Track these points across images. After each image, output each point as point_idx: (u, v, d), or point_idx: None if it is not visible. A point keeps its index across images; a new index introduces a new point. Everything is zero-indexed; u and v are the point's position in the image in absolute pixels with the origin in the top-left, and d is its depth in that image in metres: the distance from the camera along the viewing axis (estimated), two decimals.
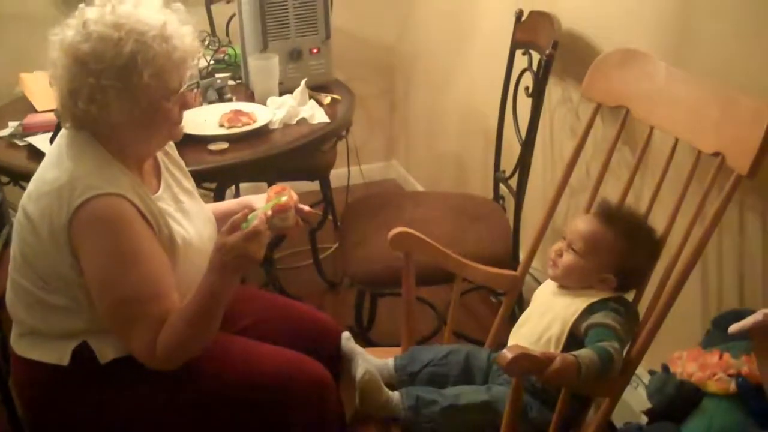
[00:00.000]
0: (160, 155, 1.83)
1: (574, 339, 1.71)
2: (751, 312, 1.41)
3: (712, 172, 1.64)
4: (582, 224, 1.79)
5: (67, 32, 1.61)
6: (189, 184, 1.89)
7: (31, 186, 1.66)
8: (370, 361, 1.86)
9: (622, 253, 1.76)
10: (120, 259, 1.58)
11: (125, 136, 1.66)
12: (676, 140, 1.76)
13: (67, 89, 1.61)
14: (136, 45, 1.57)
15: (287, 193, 1.78)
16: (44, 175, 1.65)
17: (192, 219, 1.79)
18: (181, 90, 1.68)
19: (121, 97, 1.59)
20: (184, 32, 1.66)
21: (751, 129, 1.56)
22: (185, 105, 1.72)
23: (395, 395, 1.78)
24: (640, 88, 1.86)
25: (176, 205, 1.78)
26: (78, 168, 1.61)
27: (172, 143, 1.88)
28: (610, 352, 1.59)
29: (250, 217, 1.61)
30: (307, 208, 1.82)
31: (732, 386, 1.53)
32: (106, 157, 1.65)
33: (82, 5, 1.64)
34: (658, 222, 1.80)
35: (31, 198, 1.64)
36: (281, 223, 1.76)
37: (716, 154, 1.64)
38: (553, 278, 1.83)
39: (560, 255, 1.79)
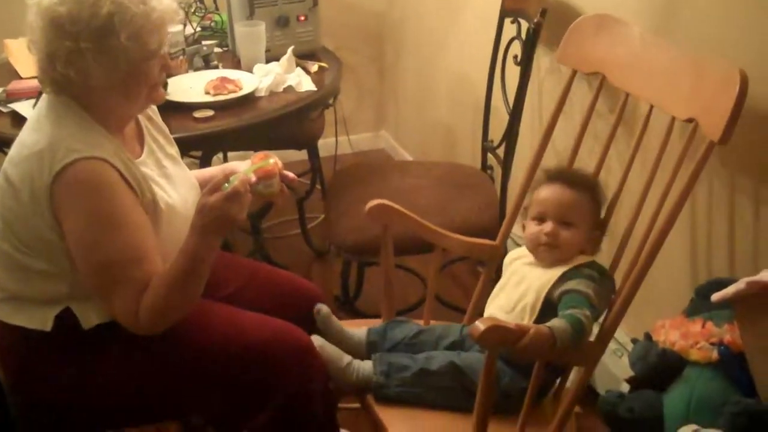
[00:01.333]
0: (143, 120, 1.81)
1: (549, 306, 1.70)
2: (734, 280, 1.41)
3: (685, 138, 1.63)
4: (563, 195, 1.78)
5: None
6: (173, 150, 1.87)
7: (12, 150, 1.65)
8: (342, 334, 1.88)
9: (595, 207, 1.80)
10: (102, 223, 1.58)
11: (105, 100, 1.64)
12: (651, 107, 1.75)
13: (44, 53, 1.59)
14: (113, 6, 1.55)
15: (274, 161, 1.77)
16: (25, 139, 1.64)
17: (176, 184, 1.78)
18: (162, 52, 1.66)
19: (98, 59, 1.57)
20: None
21: (723, 95, 1.55)
22: (166, 68, 1.71)
23: (363, 364, 1.80)
24: (615, 55, 1.85)
25: (159, 170, 1.77)
26: (59, 132, 1.60)
27: (155, 109, 1.87)
28: (581, 320, 1.58)
29: (231, 178, 1.60)
30: (291, 175, 1.81)
31: (714, 354, 1.53)
32: (87, 121, 1.63)
33: None
34: (634, 188, 1.79)
35: (12, 162, 1.63)
36: (266, 189, 1.75)
37: (690, 120, 1.63)
38: (553, 262, 1.77)
39: (554, 236, 1.76)
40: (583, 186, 1.80)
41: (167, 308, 1.61)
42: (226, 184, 1.58)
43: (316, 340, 1.80)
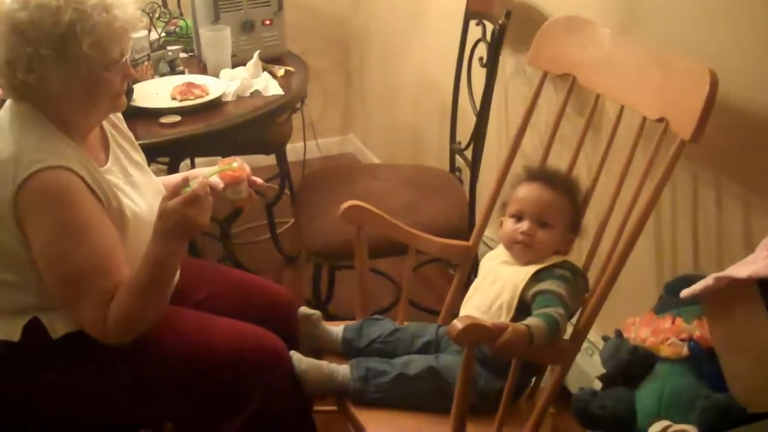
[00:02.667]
0: (108, 128, 1.79)
1: (522, 305, 1.71)
2: (702, 276, 1.43)
3: (656, 137, 1.65)
4: (541, 195, 1.79)
5: (4, 0, 1.57)
6: (139, 157, 1.86)
7: None
8: (320, 331, 1.89)
9: (573, 209, 1.81)
10: (68, 233, 1.56)
11: (67, 107, 1.63)
12: (622, 107, 1.77)
13: (5, 59, 1.57)
14: (75, 14, 1.54)
15: (239, 164, 1.76)
16: None
17: (142, 192, 1.77)
18: (123, 60, 1.65)
19: (59, 67, 1.56)
20: (125, 1, 1.62)
21: (693, 94, 1.57)
22: (127, 76, 1.69)
23: (343, 367, 1.79)
24: (585, 56, 1.86)
25: (126, 179, 1.75)
26: (22, 141, 1.58)
27: (120, 116, 1.85)
28: (556, 318, 1.60)
29: (191, 182, 1.58)
30: (259, 180, 1.81)
31: (684, 350, 1.55)
32: (50, 130, 1.62)
33: None
34: (606, 188, 1.81)
35: None
36: (234, 195, 1.75)
37: (660, 119, 1.65)
38: (527, 261, 1.77)
39: (531, 235, 1.77)
40: (563, 187, 1.81)
41: (134, 316, 1.59)
42: (186, 188, 1.56)
43: (296, 356, 1.79)
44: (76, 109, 1.64)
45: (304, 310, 1.92)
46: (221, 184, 1.77)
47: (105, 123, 1.79)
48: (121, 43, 1.62)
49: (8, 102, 1.66)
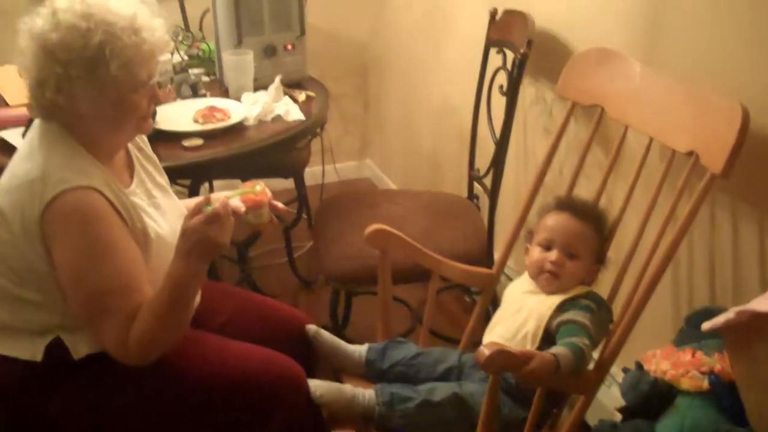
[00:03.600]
0: (133, 150, 1.81)
1: (547, 335, 1.72)
2: (723, 310, 1.42)
3: (685, 171, 1.66)
4: (570, 225, 1.80)
5: (36, 21, 1.59)
6: (162, 179, 1.87)
7: (3, 179, 1.64)
8: (337, 349, 1.89)
9: (600, 240, 1.82)
10: (92, 252, 1.57)
11: (94, 128, 1.65)
12: (651, 140, 1.78)
13: (35, 79, 1.59)
14: (105, 36, 1.56)
15: (261, 188, 1.77)
16: (16, 168, 1.63)
17: (165, 214, 1.78)
18: (151, 83, 1.67)
19: (88, 88, 1.58)
20: (154, 25, 1.65)
21: (725, 128, 1.58)
22: (154, 98, 1.71)
23: (368, 393, 1.79)
24: (616, 88, 1.87)
25: (149, 200, 1.77)
26: (50, 161, 1.60)
27: (145, 138, 1.87)
28: (582, 348, 1.61)
29: (212, 201, 1.59)
30: (281, 205, 1.82)
31: (705, 383, 1.54)
32: (77, 150, 1.63)
33: None
34: (632, 220, 1.81)
35: (2, 192, 1.62)
36: (256, 219, 1.76)
37: (690, 153, 1.66)
38: (553, 291, 1.78)
39: (560, 265, 1.78)
40: (591, 217, 1.82)
41: (156, 336, 1.60)
42: (208, 207, 1.58)
43: (315, 387, 1.78)
44: (103, 130, 1.66)
45: (311, 327, 1.93)
46: (243, 208, 1.78)
47: (130, 145, 1.81)
48: (148, 65, 1.64)
49: (37, 122, 1.68)
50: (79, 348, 1.66)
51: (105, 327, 1.59)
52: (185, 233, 1.58)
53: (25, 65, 1.61)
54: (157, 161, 1.90)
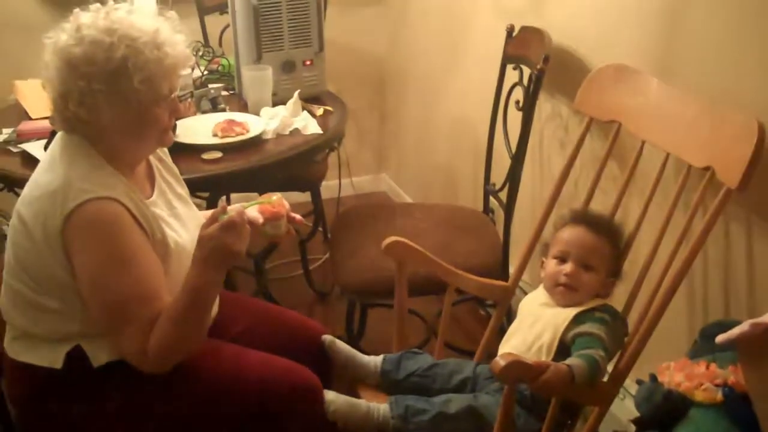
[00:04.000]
0: (154, 161, 1.84)
1: (563, 347, 1.73)
2: (738, 323, 1.43)
3: (701, 185, 1.67)
4: (586, 238, 1.82)
5: (60, 35, 1.63)
6: (183, 190, 1.90)
7: (26, 190, 1.67)
8: (353, 359, 1.91)
9: (615, 254, 1.83)
10: (112, 262, 1.60)
11: (116, 141, 1.67)
12: (667, 155, 1.79)
13: (58, 92, 1.63)
14: (128, 50, 1.59)
15: (279, 200, 1.80)
16: (38, 179, 1.66)
17: (185, 224, 1.81)
18: (172, 97, 1.69)
19: (110, 101, 1.61)
20: (176, 40, 1.68)
21: (741, 143, 1.60)
22: (176, 112, 1.74)
23: (382, 407, 1.80)
24: (633, 103, 1.89)
25: (170, 211, 1.79)
26: (71, 172, 1.63)
27: (166, 150, 1.90)
28: (597, 360, 1.62)
29: (229, 209, 1.62)
30: (298, 216, 1.85)
31: (719, 396, 1.55)
32: (99, 161, 1.66)
33: (77, 10, 1.66)
34: (648, 234, 1.82)
35: (25, 202, 1.65)
36: (273, 230, 1.78)
37: (706, 168, 1.68)
38: (569, 303, 1.80)
39: (575, 278, 1.79)
40: (607, 231, 1.84)
41: (173, 343, 1.62)
42: (224, 215, 1.61)
43: (330, 402, 1.80)
44: (125, 142, 1.69)
45: (326, 337, 1.95)
46: (261, 219, 1.81)
47: (151, 157, 1.84)
48: (170, 79, 1.67)
49: (59, 134, 1.71)
50: (99, 356, 1.68)
51: (125, 335, 1.62)
52: (201, 241, 1.60)
53: (49, 78, 1.64)
54: (178, 172, 1.92)
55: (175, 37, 1.68)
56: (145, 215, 1.67)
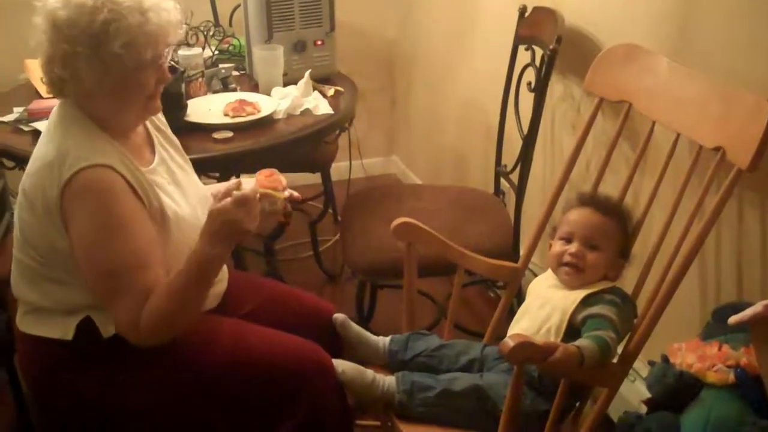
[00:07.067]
0: (152, 131, 1.84)
1: (571, 329, 1.73)
2: (750, 304, 1.43)
3: (712, 166, 1.66)
4: (592, 218, 1.81)
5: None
6: (183, 160, 1.90)
7: (29, 164, 1.69)
8: (362, 339, 1.92)
9: (623, 235, 1.82)
10: (107, 228, 1.60)
11: (101, 105, 1.68)
12: (678, 135, 1.78)
13: (45, 55, 1.63)
14: (110, 14, 1.59)
15: (276, 177, 1.79)
16: (37, 152, 1.68)
17: (186, 194, 1.81)
18: (158, 63, 1.69)
19: (92, 64, 1.61)
20: (163, 6, 1.67)
21: (752, 124, 1.59)
22: (162, 79, 1.73)
23: (388, 379, 1.81)
24: (643, 84, 1.88)
25: (170, 178, 1.80)
26: (66, 141, 1.64)
27: (164, 120, 1.90)
28: (607, 341, 1.62)
29: (243, 186, 1.63)
30: (296, 194, 1.84)
31: (731, 377, 1.55)
32: (93, 130, 1.67)
33: None
34: (658, 215, 1.82)
35: (27, 175, 1.67)
36: (270, 207, 1.78)
37: (717, 148, 1.66)
38: (575, 285, 1.79)
39: (580, 257, 1.79)
40: (614, 213, 1.83)
41: (168, 315, 1.61)
42: (236, 191, 1.61)
43: (338, 364, 1.81)
44: (111, 107, 1.69)
45: (338, 317, 1.95)
46: (258, 195, 1.80)
47: (149, 125, 1.84)
48: (154, 46, 1.65)
49: (56, 107, 1.73)
50: (109, 327, 1.68)
51: (118, 303, 1.61)
52: (212, 214, 1.61)
53: (38, 42, 1.65)
54: (178, 143, 1.92)
55: (162, 3, 1.67)
56: (140, 182, 1.67)
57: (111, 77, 1.63)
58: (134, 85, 1.67)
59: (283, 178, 1.80)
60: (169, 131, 1.91)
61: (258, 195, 1.69)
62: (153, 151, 1.81)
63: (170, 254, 1.68)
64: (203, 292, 1.66)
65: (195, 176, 1.92)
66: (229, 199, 1.60)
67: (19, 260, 1.73)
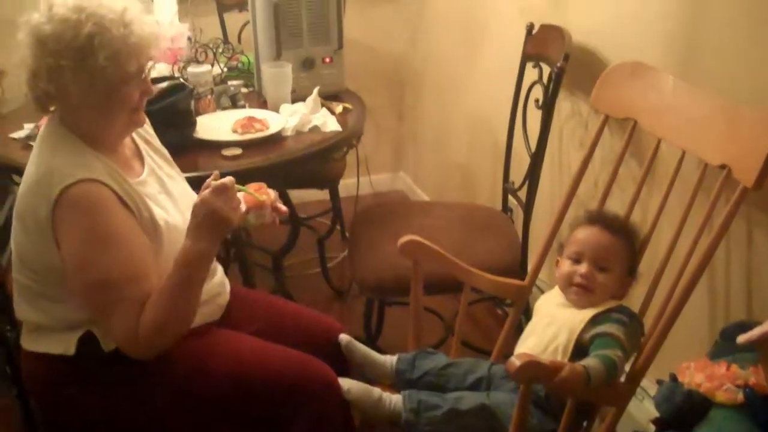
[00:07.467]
0: (140, 143, 1.86)
1: (579, 348, 1.73)
2: (758, 323, 1.42)
3: (717, 183, 1.66)
4: (601, 238, 1.81)
5: (33, 15, 1.65)
6: (173, 170, 1.92)
7: (20, 186, 1.70)
8: (369, 359, 1.92)
9: (631, 254, 1.82)
10: (98, 241, 1.61)
11: (87, 119, 1.69)
12: (683, 152, 1.78)
13: (30, 70, 1.65)
14: (94, 27, 1.61)
15: (264, 191, 1.81)
16: (27, 173, 1.69)
17: (177, 203, 1.82)
18: (142, 76, 1.70)
19: (77, 77, 1.63)
20: (145, 20, 1.69)
21: (757, 141, 1.59)
22: (146, 92, 1.75)
23: (395, 397, 1.80)
24: (648, 101, 1.88)
25: (161, 188, 1.81)
26: (53, 160, 1.65)
27: (152, 132, 1.92)
28: (614, 360, 1.62)
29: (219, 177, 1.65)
30: (283, 207, 1.86)
31: (739, 396, 1.54)
32: (79, 146, 1.68)
33: None
34: (664, 233, 1.81)
35: (18, 197, 1.68)
36: (257, 220, 1.79)
37: (722, 166, 1.66)
38: (584, 304, 1.79)
39: (590, 278, 1.79)
40: (622, 231, 1.83)
41: (164, 321, 1.62)
42: (214, 182, 1.64)
43: (344, 382, 1.80)
44: (96, 121, 1.70)
45: (343, 337, 1.95)
46: (244, 207, 1.81)
47: (137, 138, 1.85)
48: (138, 58, 1.67)
49: (42, 127, 1.74)
50: (110, 341, 1.69)
51: (113, 316, 1.62)
52: (194, 209, 1.64)
53: (23, 58, 1.66)
54: (167, 155, 1.94)
55: (144, 17, 1.69)
56: (129, 194, 1.68)
57: (96, 90, 1.65)
58: (119, 97, 1.68)
59: (271, 192, 1.81)
60: (157, 142, 1.92)
61: (245, 208, 1.73)
62: (142, 163, 1.83)
63: (163, 263, 1.68)
64: (195, 292, 1.67)
65: (186, 185, 1.93)
66: (208, 189, 1.62)
67: (18, 282, 1.74)
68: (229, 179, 1.64)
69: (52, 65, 1.61)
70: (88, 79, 1.63)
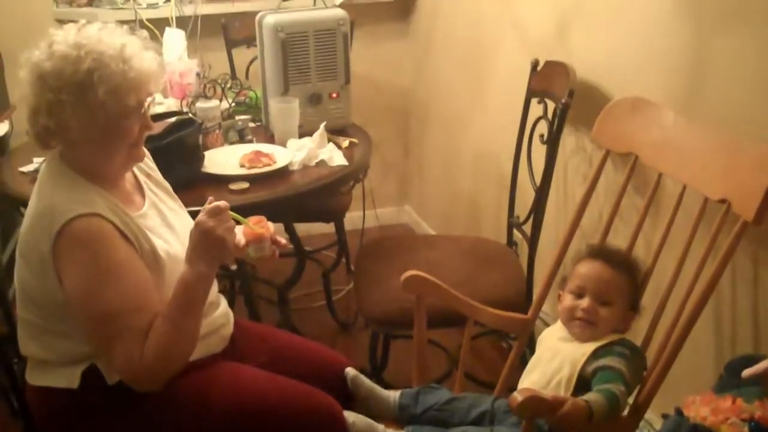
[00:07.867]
0: (141, 177, 1.88)
1: (581, 382, 1.73)
2: (763, 357, 1.43)
3: (718, 218, 1.67)
4: (603, 273, 1.82)
5: (34, 52, 1.67)
6: (175, 204, 1.94)
7: (22, 224, 1.71)
8: (373, 393, 1.92)
9: (633, 288, 1.83)
10: (98, 275, 1.62)
11: (87, 155, 1.71)
12: (684, 187, 1.80)
13: (30, 106, 1.67)
14: (94, 63, 1.63)
15: (264, 224, 1.82)
16: (28, 210, 1.71)
17: (179, 235, 1.83)
18: (142, 111, 1.72)
19: (77, 112, 1.64)
20: (144, 56, 1.71)
21: (757, 176, 1.60)
22: (146, 127, 1.77)
23: None
24: (649, 136, 1.90)
25: (162, 221, 1.83)
26: (54, 196, 1.67)
27: (153, 166, 1.94)
28: (617, 395, 1.62)
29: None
30: (283, 241, 1.87)
31: (745, 430, 1.54)
32: (79, 182, 1.70)
33: (52, 30, 1.70)
34: (666, 266, 1.82)
35: (21, 234, 1.70)
36: (256, 253, 1.80)
37: (723, 201, 1.68)
38: (587, 338, 1.79)
39: (592, 313, 1.79)
40: (624, 265, 1.84)
41: (164, 350, 1.63)
42: (208, 205, 1.66)
43: (349, 415, 1.81)
44: (96, 156, 1.72)
45: (349, 371, 1.96)
46: (243, 241, 1.83)
47: (138, 172, 1.87)
48: (137, 92, 1.69)
49: (43, 165, 1.76)
50: (113, 373, 1.69)
51: (116, 350, 1.63)
52: (190, 234, 1.66)
53: (23, 94, 1.69)
54: (169, 187, 1.96)
55: (143, 53, 1.72)
56: (130, 228, 1.69)
57: (96, 125, 1.66)
58: (118, 132, 1.70)
59: (271, 225, 1.83)
60: (158, 175, 1.94)
61: (245, 241, 1.75)
62: (143, 197, 1.85)
63: (165, 294, 1.69)
64: (194, 317, 1.68)
65: (188, 218, 1.93)
66: (202, 213, 1.65)
67: (22, 318, 1.75)
68: (222, 202, 1.66)
69: (52, 100, 1.64)
70: (88, 114, 1.65)
